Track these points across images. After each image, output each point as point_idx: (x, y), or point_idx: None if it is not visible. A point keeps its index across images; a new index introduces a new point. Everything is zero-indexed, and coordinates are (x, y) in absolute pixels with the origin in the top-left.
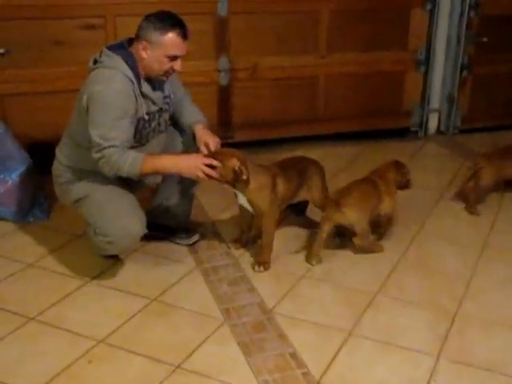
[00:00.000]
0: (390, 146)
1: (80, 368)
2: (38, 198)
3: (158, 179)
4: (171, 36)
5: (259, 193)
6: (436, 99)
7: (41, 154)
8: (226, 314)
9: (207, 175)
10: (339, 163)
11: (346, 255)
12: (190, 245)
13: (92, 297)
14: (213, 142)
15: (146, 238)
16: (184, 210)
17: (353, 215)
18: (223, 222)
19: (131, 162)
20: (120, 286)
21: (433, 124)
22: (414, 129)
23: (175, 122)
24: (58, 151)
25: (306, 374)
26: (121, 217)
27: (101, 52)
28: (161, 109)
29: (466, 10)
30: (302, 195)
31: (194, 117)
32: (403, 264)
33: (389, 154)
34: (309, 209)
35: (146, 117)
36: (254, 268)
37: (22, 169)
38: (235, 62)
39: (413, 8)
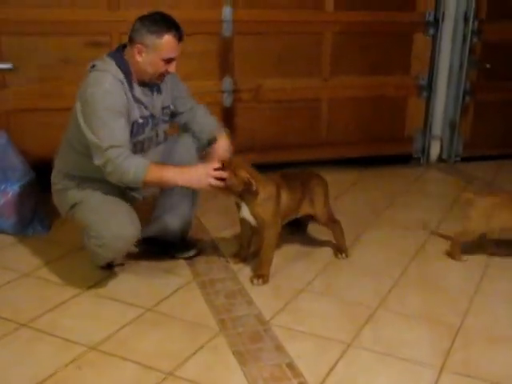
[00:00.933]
0: (392, 172)
1: (69, 373)
2: (38, 212)
3: (156, 190)
4: (167, 39)
5: (264, 204)
6: (438, 126)
7: (45, 170)
8: (221, 325)
9: (216, 186)
10: (341, 187)
11: (346, 270)
12: (187, 258)
13: (86, 305)
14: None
15: (143, 252)
16: (184, 224)
17: None
18: (223, 239)
19: (136, 167)
20: (115, 296)
21: (435, 151)
22: (416, 155)
23: (192, 135)
24: (56, 159)
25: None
26: (114, 219)
27: None
28: (153, 115)
29: (469, 36)
30: (305, 209)
31: (210, 126)
32: (404, 280)
33: (390, 180)
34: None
35: (140, 120)
36: (252, 281)
37: (23, 181)
38: (239, 83)
39: (415, 33)
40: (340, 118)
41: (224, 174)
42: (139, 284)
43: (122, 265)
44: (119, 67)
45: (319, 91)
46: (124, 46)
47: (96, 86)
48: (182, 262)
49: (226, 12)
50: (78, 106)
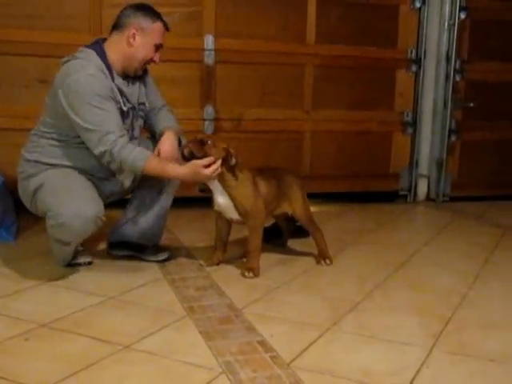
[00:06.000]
0: (378, 207)
1: (14, 343)
2: (6, 219)
3: (128, 181)
4: (159, 24)
5: (242, 187)
6: (425, 164)
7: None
8: (189, 311)
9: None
10: (324, 217)
11: (328, 273)
12: (159, 261)
13: (43, 293)
14: (167, 149)
15: (113, 257)
16: (156, 227)
17: None
18: (197, 248)
19: (136, 154)
20: (76, 287)
21: (422, 189)
22: (402, 193)
23: (150, 131)
24: (23, 151)
25: (274, 358)
26: (74, 198)
27: None
28: (134, 108)
29: (452, 75)
30: (284, 207)
31: (166, 122)
32: (391, 281)
33: (376, 213)
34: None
35: (125, 108)
36: (243, 274)
37: None
38: (220, 111)
39: (398, 69)
40: (324, 151)
41: (205, 161)
42: (104, 278)
43: (90, 263)
44: (99, 57)
45: (302, 123)
46: (103, 40)
47: (77, 73)
48: (152, 264)
49: (209, 41)
50: (60, 97)
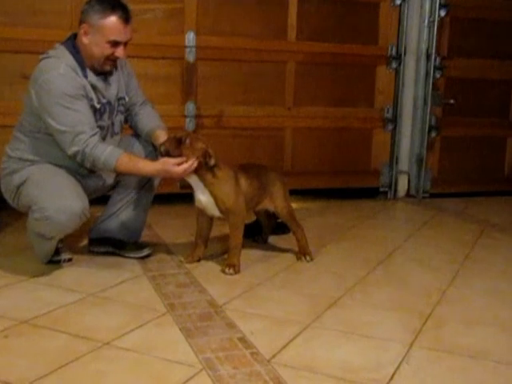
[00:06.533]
0: (358, 203)
1: None
2: None
3: (111, 178)
4: (112, 20)
5: (224, 184)
6: (405, 160)
7: None
8: (169, 307)
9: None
10: (305, 214)
11: (309, 269)
12: (139, 258)
13: (22, 290)
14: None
15: (93, 253)
16: (137, 222)
17: None
18: (177, 244)
19: (108, 153)
20: (56, 283)
21: (402, 186)
22: (383, 189)
23: (134, 129)
24: (6, 148)
25: (255, 354)
26: (59, 192)
27: None
28: (110, 103)
29: (432, 72)
30: (265, 204)
31: (154, 122)
32: (371, 277)
33: (357, 209)
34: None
35: (98, 105)
36: (224, 271)
37: None
38: (202, 108)
39: (378, 65)
40: (305, 148)
41: (178, 159)
42: (84, 275)
43: (70, 260)
44: (72, 54)
45: (283, 120)
46: (76, 34)
47: (49, 72)
48: (132, 261)
49: (190, 38)
50: (33, 98)
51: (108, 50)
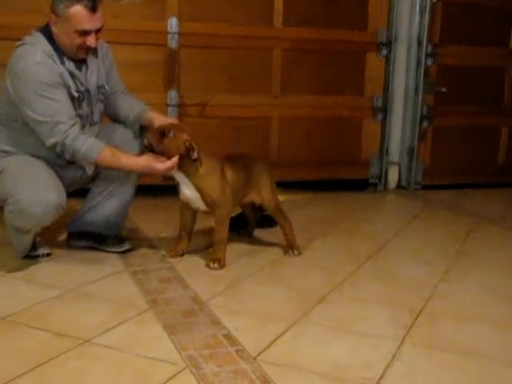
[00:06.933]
0: (348, 195)
1: None
2: None
3: (91, 169)
4: (77, 9)
5: (209, 178)
6: (396, 151)
7: None
8: (152, 303)
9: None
10: (292, 206)
11: (296, 264)
12: (120, 252)
13: (2, 286)
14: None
15: (72, 247)
16: (118, 215)
17: None
18: (160, 238)
19: (89, 145)
20: (34, 279)
21: (393, 177)
22: (372, 181)
23: (114, 118)
24: None
25: (240, 351)
26: (35, 184)
27: None
28: (89, 91)
29: (423, 59)
30: (252, 196)
31: (140, 106)
32: (361, 272)
33: (346, 202)
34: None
35: (76, 93)
36: (208, 266)
37: None
38: (185, 97)
39: (368, 52)
40: (292, 138)
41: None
42: (63, 270)
43: (49, 255)
44: (48, 41)
45: (269, 109)
46: None
47: (25, 60)
48: (113, 255)
49: (172, 23)
50: (9, 87)
51: (77, 40)
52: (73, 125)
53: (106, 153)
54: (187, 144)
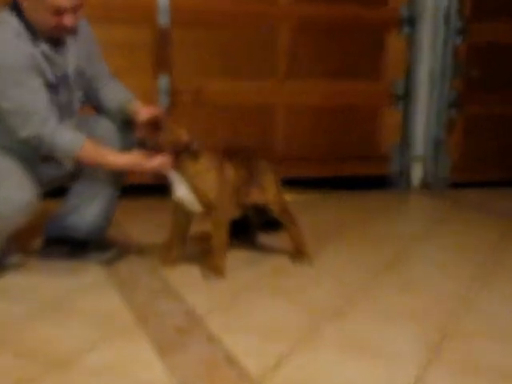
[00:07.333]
0: (364, 195)
1: None
2: None
3: (70, 164)
4: None
5: (205, 175)
6: (420, 143)
7: None
8: (140, 319)
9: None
10: (300, 207)
11: (305, 273)
12: (103, 261)
13: None
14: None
15: (48, 255)
16: (101, 218)
17: None
18: (150, 244)
19: (71, 140)
20: (5, 292)
21: (417, 174)
22: (393, 178)
23: (97, 108)
24: None
25: (242, 374)
26: (4, 182)
27: None
28: (68, 76)
29: (452, 37)
30: (255, 196)
31: (125, 95)
32: (379, 282)
33: (361, 202)
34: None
35: (53, 79)
36: (205, 276)
37: None
38: (178, 82)
39: (388, 31)
40: (299, 129)
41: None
42: (37, 281)
43: (20, 264)
44: (18, 18)
45: (274, 96)
46: None
47: None
48: (96, 264)
49: None
50: None
51: (51, 19)
52: (50, 115)
53: (90, 148)
54: (185, 137)
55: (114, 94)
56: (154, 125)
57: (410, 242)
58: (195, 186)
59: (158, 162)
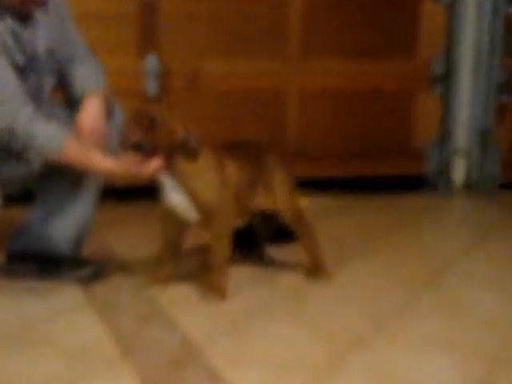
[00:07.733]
0: (394, 199)
1: None
2: None
3: (38, 163)
4: None
5: (203, 176)
6: (462, 136)
7: None
8: (125, 350)
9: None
10: (319, 215)
11: (323, 295)
12: (80, 279)
13: None
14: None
15: (12, 274)
16: (77, 229)
17: None
18: (136, 260)
19: (52, 133)
20: None
21: (458, 173)
22: (430, 178)
23: (72, 98)
24: None
25: None
26: None
27: None
28: (37, 59)
29: (502, 4)
30: (262, 201)
31: (89, 81)
32: (414, 304)
33: (391, 208)
34: None
35: (21, 61)
36: (205, 297)
37: None
38: (169, 63)
39: None
40: (316, 119)
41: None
42: (1, 306)
43: None
44: None
45: (285, 79)
46: None
47: None
48: (72, 284)
49: None
50: None
51: None
52: (24, 103)
53: (73, 146)
54: (180, 133)
55: (85, 80)
56: (150, 121)
57: (452, 254)
58: (191, 190)
59: (153, 164)
